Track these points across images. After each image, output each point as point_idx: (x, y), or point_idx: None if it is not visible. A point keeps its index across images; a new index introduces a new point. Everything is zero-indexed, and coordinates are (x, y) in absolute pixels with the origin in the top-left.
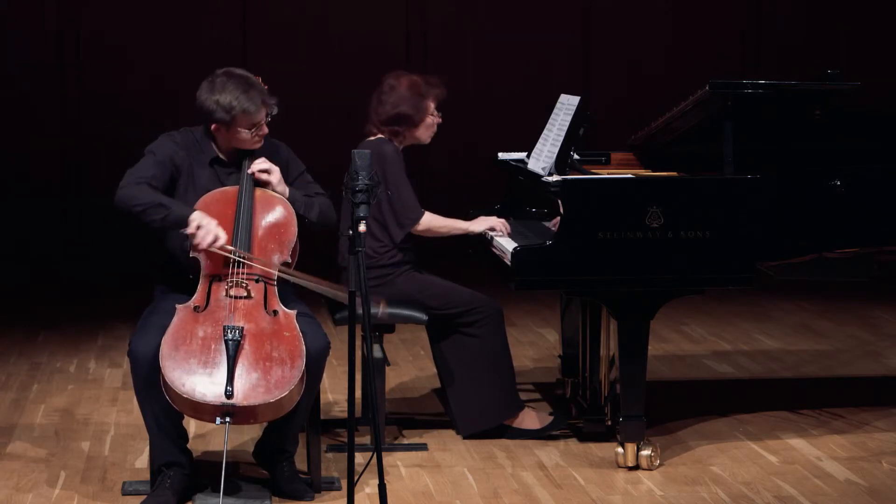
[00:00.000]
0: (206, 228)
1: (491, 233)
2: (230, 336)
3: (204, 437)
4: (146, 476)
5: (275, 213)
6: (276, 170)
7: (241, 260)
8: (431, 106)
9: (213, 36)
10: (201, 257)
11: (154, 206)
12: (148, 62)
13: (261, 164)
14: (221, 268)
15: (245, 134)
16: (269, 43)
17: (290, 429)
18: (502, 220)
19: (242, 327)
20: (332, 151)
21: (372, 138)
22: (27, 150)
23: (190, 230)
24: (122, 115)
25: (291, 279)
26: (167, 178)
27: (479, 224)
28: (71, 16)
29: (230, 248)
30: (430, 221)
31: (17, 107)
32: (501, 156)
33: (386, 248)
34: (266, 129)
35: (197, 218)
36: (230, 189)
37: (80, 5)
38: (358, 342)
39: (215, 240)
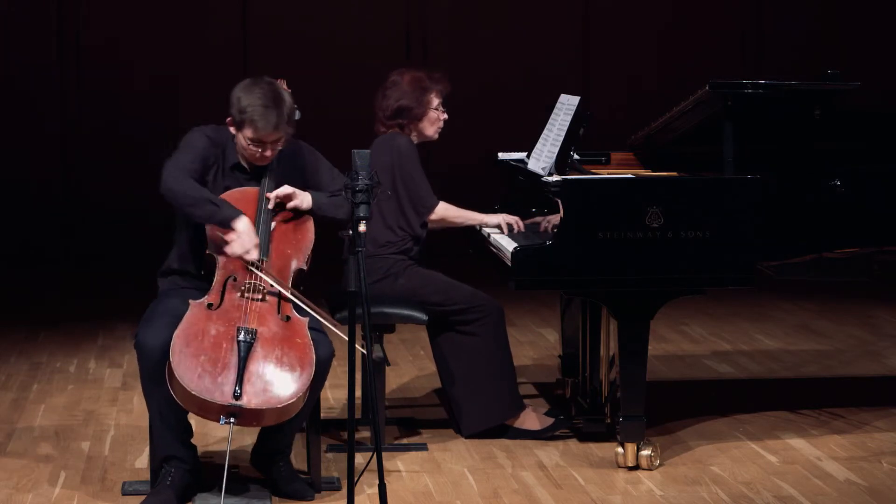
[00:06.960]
0: (242, 240)
1: (489, 231)
2: (243, 338)
3: (204, 437)
4: (146, 476)
5: (294, 217)
6: (296, 195)
7: (258, 273)
8: (435, 101)
9: (213, 35)
10: (219, 256)
11: (204, 202)
12: (148, 62)
13: (279, 194)
14: (239, 269)
15: (244, 141)
16: (270, 42)
17: (288, 431)
18: (516, 218)
19: (256, 330)
20: (332, 151)
21: (385, 134)
22: (27, 150)
23: (229, 236)
24: (122, 115)
25: (301, 304)
26: (203, 172)
27: (494, 218)
28: (71, 16)
29: (257, 266)
30: (445, 211)
31: (17, 107)
32: (501, 156)
33: (398, 238)
34: (270, 154)
35: (241, 227)
36: (251, 189)
37: (80, 5)
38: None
39: (245, 253)
